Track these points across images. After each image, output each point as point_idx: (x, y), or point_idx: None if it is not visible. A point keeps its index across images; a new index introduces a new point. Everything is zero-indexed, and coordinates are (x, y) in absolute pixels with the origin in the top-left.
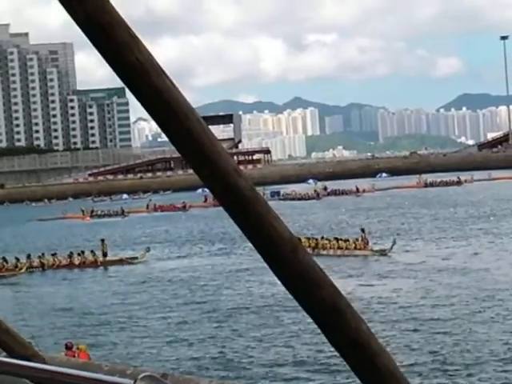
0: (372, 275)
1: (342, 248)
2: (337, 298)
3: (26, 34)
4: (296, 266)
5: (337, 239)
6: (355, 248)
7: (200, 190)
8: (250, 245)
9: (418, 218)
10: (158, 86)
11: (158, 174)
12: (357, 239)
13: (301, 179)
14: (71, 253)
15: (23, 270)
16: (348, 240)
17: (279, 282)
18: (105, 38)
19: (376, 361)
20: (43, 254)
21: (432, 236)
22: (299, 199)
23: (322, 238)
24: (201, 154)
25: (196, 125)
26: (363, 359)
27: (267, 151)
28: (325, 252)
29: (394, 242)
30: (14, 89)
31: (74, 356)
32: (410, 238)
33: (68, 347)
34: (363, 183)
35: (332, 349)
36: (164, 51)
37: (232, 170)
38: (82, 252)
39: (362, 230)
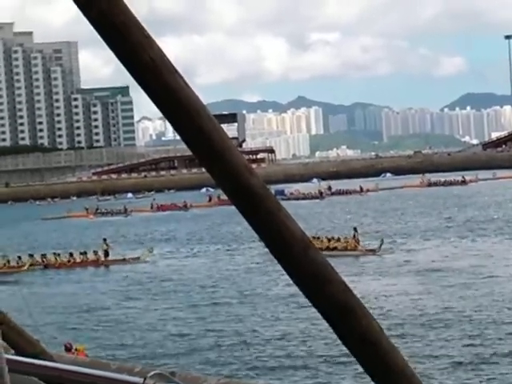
0: (359, 274)
1: (333, 248)
2: (348, 296)
3: (30, 33)
4: (308, 265)
5: (328, 239)
6: (346, 247)
7: (204, 189)
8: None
9: (417, 219)
10: (170, 84)
11: (162, 172)
12: (347, 238)
13: (305, 178)
14: (72, 253)
15: (25, 268)
16: (340, 239)
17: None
18: (119, 37)
19: (387, 359)
20: (45, 255)
21: (425, 237)
22: (303, 199)
23: (314, 237)
24: (212, 152)
25: (207, 122)
26: (374, 357)
27: (271, 150)
28: None
29: (382, 242)
30: (19, 88)
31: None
32: (403, 239)
33: (67, 348)
34: (367, 183)
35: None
36: (167, 50)
37: (243, 167)
38: (85, 252)
39: (355, 229)
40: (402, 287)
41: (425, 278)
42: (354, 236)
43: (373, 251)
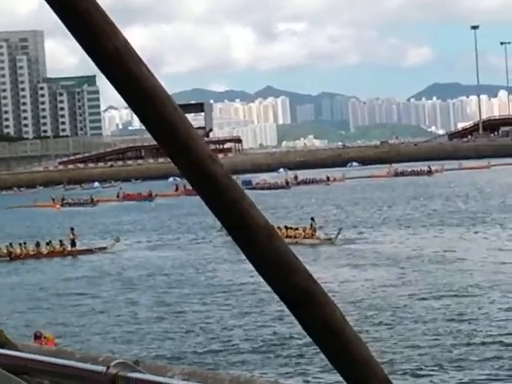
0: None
1: (290, 236)
2: (311, 284)
3: None
4: (271, 253)
5: (286, 227)
6: (304, 236)
7: (171, 179)
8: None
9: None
10: (134, 73)
11: (129, 162)
12: (305, 227)
13: (272, 168)
14: (38, 242)
15: None
16: (297, 228)
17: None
18: (82, 24)
19: (350, 348)
20: (11, 244)
21: (385, 226)
22: (268, 188)
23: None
24: (176, 142)
25: (172, 112)
26: (337, 346)
27: (238, 140)
28: None
29: (340, 231)
30: None
31: (41, 344)
32: (364, 228)
33: (37, 336)
34: (334, 172)
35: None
36: (135, 39)
37: (207, 156)
38: (50, 241)
39: (312, 219)
40: (346, 275)
41: (374, 267)
42: (312, 225)
43: (329, 240)
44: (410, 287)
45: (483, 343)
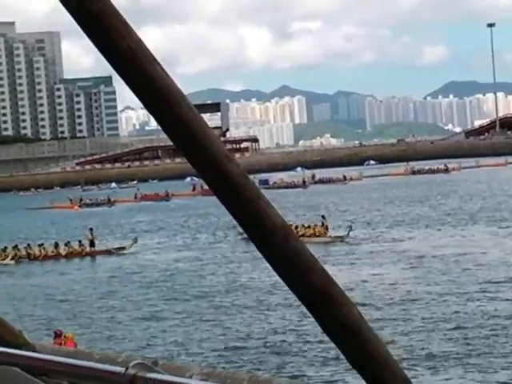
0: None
1: (302, 235)
2: (328, 283)
3: (13, 23)
4: (288, 252)
5: (297, 226)
6: (315, 235)
7: (189, 179)
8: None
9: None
10: (149, 73)
11: (146, 162)
12: (316, 225)
13: (288, 167)
14: (57, 243)
15: (8, 260)
16: (309, 226)
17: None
18: (96, 25)
19: (368, 346)
20: (29, 245)
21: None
22: (285, 187)
23: None
24: (192, 141)
25: (187, 112)
26: (355, 345)
27: (255, 139)
28: None
29: (351, 229)
30: (1, 78)
31: (61, 344)
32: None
33: (57, 335)
34: (351, 171)
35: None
36: (149, 39)
37: (223, 156)
38: (69, 242)
39: (323, 217)
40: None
41: (389, 265)
42: (323, 223)
43: (341, 238)
44: (427, 285)
45: (503, 342)
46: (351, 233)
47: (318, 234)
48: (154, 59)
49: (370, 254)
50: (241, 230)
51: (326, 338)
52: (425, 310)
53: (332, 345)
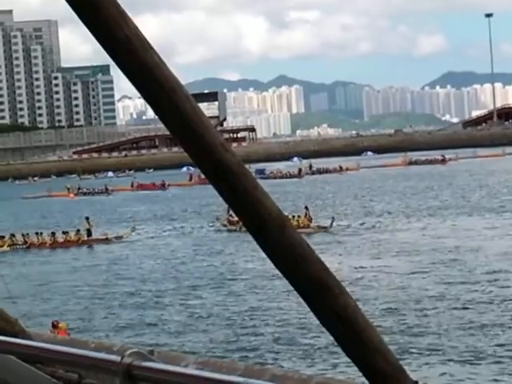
0: None
1: None
2: (324, 274)
3: (10, 12)
4: (283, 242)
5: None
6: (298, 225)
7: (185, 168)
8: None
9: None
10: (146, 62)
11: (143, 151)
12: (299, 216)
13: (286, 157)
14: (54, 232)
15: (5, 248)
16: (293, 217)
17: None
18: (93, 13)
19: (363, 336)
20: (27, 234)
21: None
22: (281, 178)
23: None
24: (189, 130)
25: (184, 100)
26: (350, 334)
27: (252, 129)
28: None
29: (333, 220)
30: None
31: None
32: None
33: (54, 325)
34: (348, 161)
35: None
36: (145, 29)
37: (220, 145)
38: (66, 231)
39: (306, 208)
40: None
41: (380, 256)
42: (306, 214)
43: (324, 228)
44: (419, 276)
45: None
46: (334, 223)
47: (301, 225)
48: (151, 48)
49: (358, 244)
50: (224, 222)
51: (322, 328)
52: (414, 300)
53: (327, 334)
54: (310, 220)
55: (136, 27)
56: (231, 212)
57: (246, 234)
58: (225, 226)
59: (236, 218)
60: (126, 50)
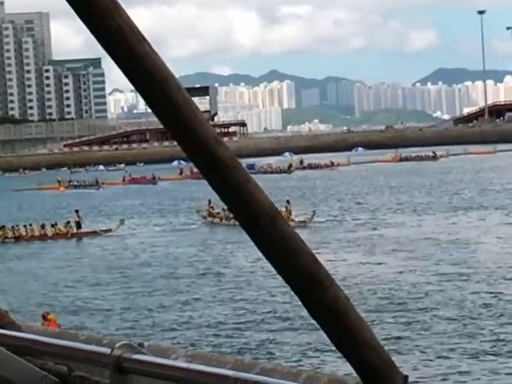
0: None
1: None
2: (316, 267)
3: (2, 3)
4: (275, 235)
5: None
6: None
7: (176, 163)
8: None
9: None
10: (137, 51)
11: (134, 145)
12: (280, 210)
13: (276, 152)
14: (43, 224)
15: None
16: None
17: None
18: (86, 3)
19: (353, 330)
20: (17, 225)
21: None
22: (271, 173)
23: None
24: (181, 123)
25: (176, 92)
26: (341, 328)
27: (243, 124)
28: None
29: (314, 214)
30: None
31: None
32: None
33: (44, 317)
34: (339, 157)
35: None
36: (137, 21)
37: (213, 139)
38: (56, 224)
39: (287, 202)
40: None
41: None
42: (286, 208)
43: (304, 223)
44: (410, 271)
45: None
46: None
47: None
48: (144, 38)
49: (339, 240)
50: (204, 214)
51: (313, 322)
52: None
53: (319, 329)
54: (290, 214)
55: (128, 17)
56: (212, 204)
57: (227, 226)
58: (204, 217)
59: (216, 210)
60: (118, 40)
